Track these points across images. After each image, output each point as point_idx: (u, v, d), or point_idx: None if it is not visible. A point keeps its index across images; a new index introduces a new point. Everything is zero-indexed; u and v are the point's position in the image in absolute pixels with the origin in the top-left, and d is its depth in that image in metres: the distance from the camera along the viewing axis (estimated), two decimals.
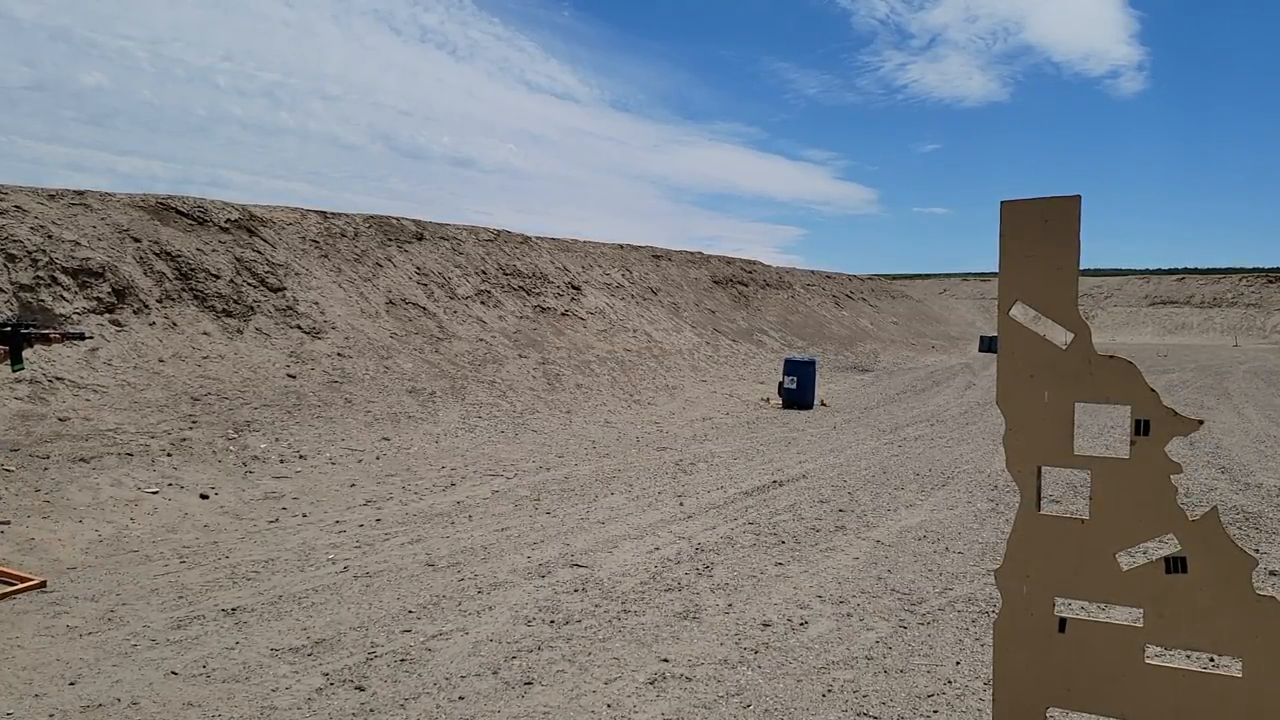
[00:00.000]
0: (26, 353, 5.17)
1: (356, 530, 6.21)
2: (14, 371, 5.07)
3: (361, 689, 3.65)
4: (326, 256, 13.12)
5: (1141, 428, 2.64)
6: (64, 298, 8.96)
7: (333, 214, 14.38)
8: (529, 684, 3.73)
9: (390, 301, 13.20)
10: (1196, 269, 55.78)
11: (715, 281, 24.93)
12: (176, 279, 10.36)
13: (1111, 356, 2.71)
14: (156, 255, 10.43)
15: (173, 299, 10.07)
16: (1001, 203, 2.83)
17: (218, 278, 10.82)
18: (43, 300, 8.74)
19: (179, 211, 11.43)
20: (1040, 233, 2.76)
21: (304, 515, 6.60)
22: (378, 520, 6.51)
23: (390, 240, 14.79)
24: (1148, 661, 2.67)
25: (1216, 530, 2.57)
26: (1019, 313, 2.84)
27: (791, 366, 14.50)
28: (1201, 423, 2.74)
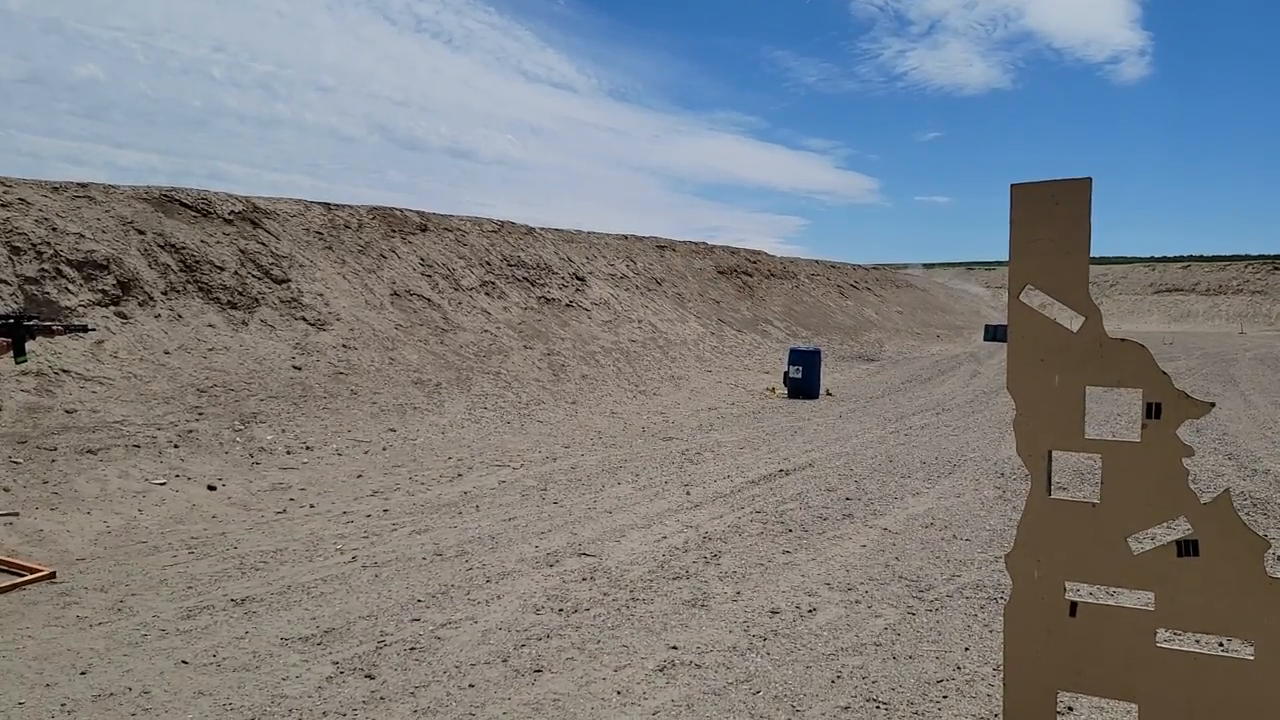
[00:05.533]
0: (30, 345, 5.18)
1: (364, 520, 6.23)
2: (17, 364, 5.09)
3: (371, 677, 3.66)
4: (330, 248, 13.11)
5: (1153, 411, 2.62)
6: (69, 290, 8.96)
7: (336, 206, 14.37)
8: (539, 671, 3.74)
9: (395, 293, 13.19)
10: (1202, 256, 55.58)
11: (720, 272, 24.88)
12: (181, 271, 10.36)
13: (1123, 340, 2.70)
14: (161, 247, 10.43)
15: (178, 291, 10.08)
16: (1011, 185, 2.80)
17: (222, 270, 10.83)
18: (48, 293, 8.75)
19: (183, 204, 11.42)
20: (1051, 215, 2.73)
21: (311, 506, 6.62)
22: (385, 511, 6.52)
23: (394, 232, 14.78)
24: (1159, 645, 2.66)
25: (1229, 513, 2.56)
26: (1029, 296, 2.82)
27: (796, 356, 14.48)
28: (1213, 405, 2.73)
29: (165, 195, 11.39)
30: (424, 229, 15.56)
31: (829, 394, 14.76)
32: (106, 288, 9.32)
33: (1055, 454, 2.86)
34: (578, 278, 17.90)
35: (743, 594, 4.77)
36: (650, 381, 14.72)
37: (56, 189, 10.21)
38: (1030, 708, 2.84)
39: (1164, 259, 57.18)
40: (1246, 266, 50.83)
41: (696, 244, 25.73)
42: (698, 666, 3.81)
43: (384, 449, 8.76)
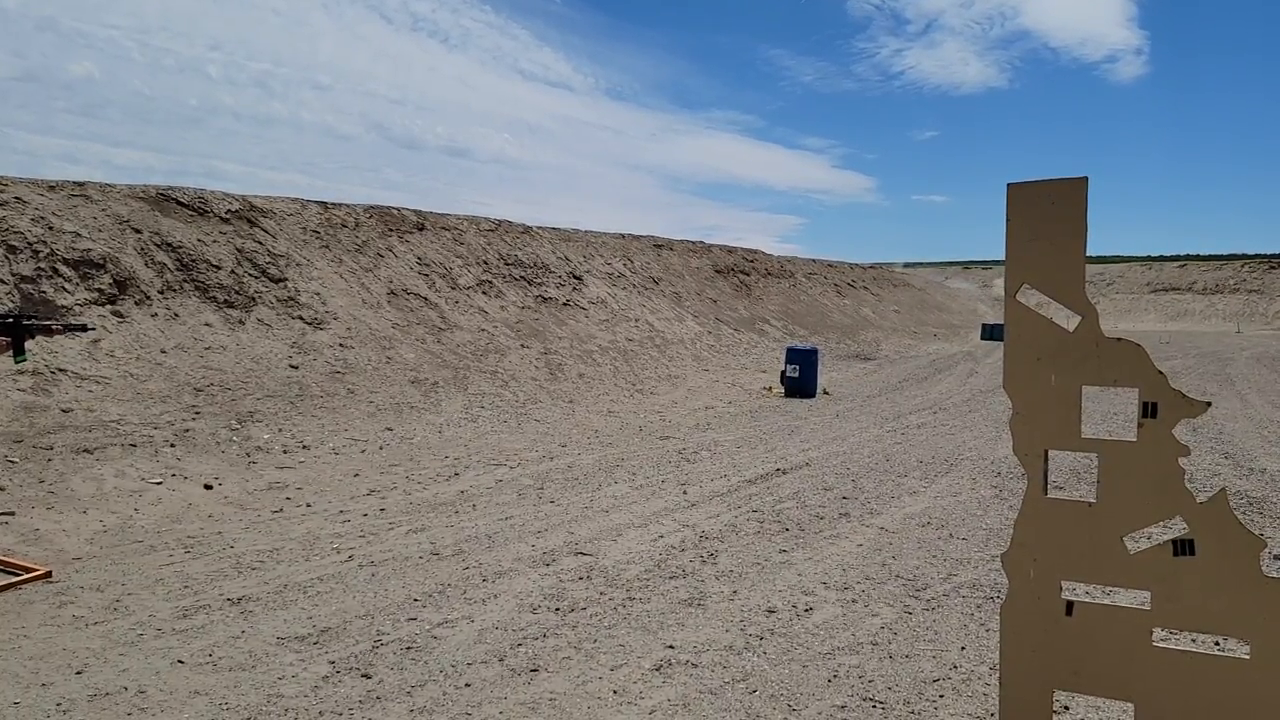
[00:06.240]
0: (28, 344, 5.16)
1: (360, 520, 6.22)
2: (16, 363, 5.08)
3: (368, 676, 3.65)
4: (328, 247, 13.09)
5: (1149, 410, 2.63)
6: (65, 289, 8.94)
7: (333, 204, 14.35)
8: (535, 671, 3.73)
9: (392, 292, 13.18)
10: (1198, 255, 55.54)
11: (717, 271, 24.88)
12: (178, 270, 10.34)
13: (1119, 339, 2.70)
14: (157, 246, 10.41)
15: (174, 290, 10.06)
16: (1008, 185, 2.80)
17: (219, 268, 10.81)
18: (44, 292, 8.73)
19: (179, 202, 11.40)
20: (1047, 215, 2.73)
21: (308, 505, 6.61)
22: (382, 510, 6.51)
23: (391, 230, 14.76)
24: (1155, 645, 2.66)
25: (1225, 513, 2.56)
26: (1026, 296, 2.82)
27: (794, 355, 14.48)
28: (1209, 404, 2.73)
29: (162, 194, 11.37)
30: (421, 228, 15.55)
31: (826, 393, 14.76)
32: (103, 287, 9.30)
33: (1052, 453, 2.86)
34: (575, 277, 17.89)
35: (739, 593, 4.77)
36: (647, 380, 14.72)
37: (53, 187, 10.19)
38: (1026, 707, 2.84)
39: (1160, 258, 57.16)
40: (1243, 265, 50.83)
41: (694, 243, 25.74)
42: (694, 666, 3.81)
43: (381, 448, 8.75)
